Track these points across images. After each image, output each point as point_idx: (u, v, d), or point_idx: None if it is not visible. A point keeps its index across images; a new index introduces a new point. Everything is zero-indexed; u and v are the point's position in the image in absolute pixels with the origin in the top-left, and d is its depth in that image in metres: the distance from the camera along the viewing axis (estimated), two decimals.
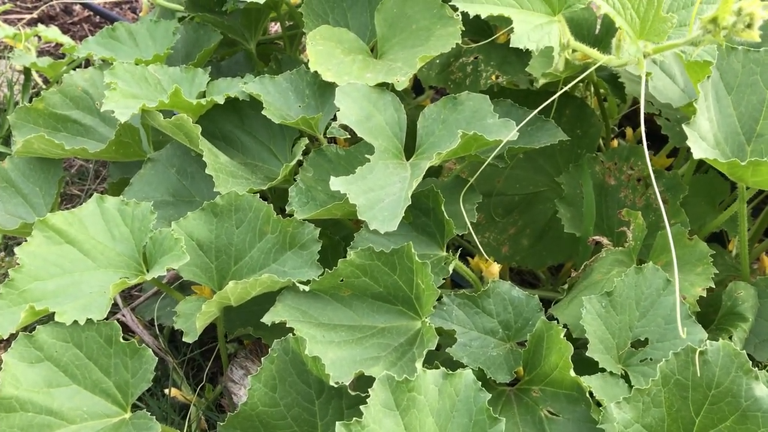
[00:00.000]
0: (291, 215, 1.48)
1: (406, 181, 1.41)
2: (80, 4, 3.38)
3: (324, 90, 1.68)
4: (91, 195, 2.52)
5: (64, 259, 1.46)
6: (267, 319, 1.33)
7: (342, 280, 1.36)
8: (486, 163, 1.48)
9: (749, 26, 1.00)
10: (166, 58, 1.92)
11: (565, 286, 1.61)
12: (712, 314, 1.57)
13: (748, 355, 1.50)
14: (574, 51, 1.49)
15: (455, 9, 1.45)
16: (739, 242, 1.78)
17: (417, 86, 2.40)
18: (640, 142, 2.16)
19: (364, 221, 1.35)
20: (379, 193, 1.37)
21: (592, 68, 1.39)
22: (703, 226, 1.75)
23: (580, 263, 1.65)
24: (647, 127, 2.23)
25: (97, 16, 3.44)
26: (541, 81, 1.56)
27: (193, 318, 1.39)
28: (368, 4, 1.78)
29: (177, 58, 2.06)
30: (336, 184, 1.35)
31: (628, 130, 2.09)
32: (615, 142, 2.11)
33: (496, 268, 1.54)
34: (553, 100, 1.63)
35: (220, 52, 2.29)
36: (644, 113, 1.96)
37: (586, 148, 1.84)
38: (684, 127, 1.29)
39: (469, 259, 1.73)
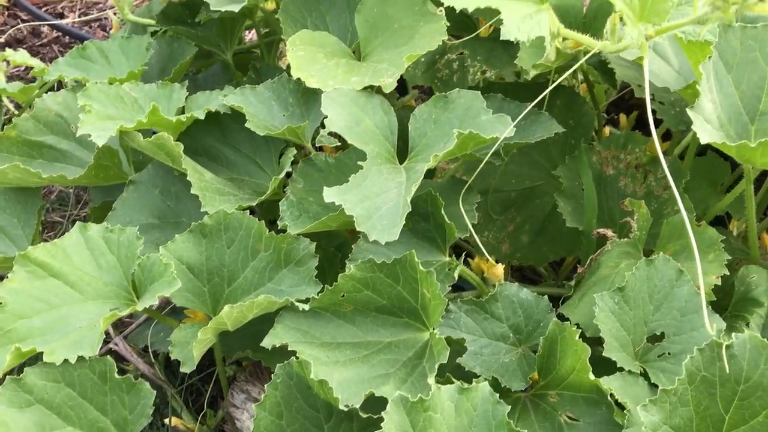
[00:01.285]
0: (284, 230, 1.41)
1: (403, 186, 1.35)
2: (48, 25, 3.30)
3: (308, 97, 1.62)
4: (73, 221, 2.45)
5: (50, 293, 1.39)
6: (267, 342, 1.27)
7: (343, 296, 1.30)
8: (484, 162, 1.43)
9: None
10: (141, 75, 1.85)
11: (572, 283, 1.56)
12: (723, 300, 1.53)
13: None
14: (564, 39, 1.43)
15: (440, 4, 1.39)
16: (745, 224, 1.74)
17: (400, 86, 2.34)
18: (634, 129, 2.12)
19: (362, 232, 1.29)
20: (376, 201, 1.31)
21: (587, 56, 1.33)
22: (707, 209, 1.70)
23: (585, 257, 1.60)
24: (638, 111, 2.19)
25: (67, 37, 3.35)
26: (532, 73, 1.51)
27: (190, 346, 1.32)
28: (347, 6, 1.71)
29: (152, 74, 1.99)
30: (330, 195, 1.29)
31: (622, 117, 2.05)
32: (606, 130, 2.07)
33: (500, 269, 1.48)
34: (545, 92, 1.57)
35: (195, 64, 2.22)
36: (635, 98, 1.92)
37: (580, 138, 1.79)
38: (688, 111, 1.24)
39: (469, 260, 1.68)
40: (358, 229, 1.26)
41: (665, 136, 1.99)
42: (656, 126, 1.89)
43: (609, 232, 1.54)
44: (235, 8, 1.64)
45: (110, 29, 3.40)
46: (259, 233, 1.40)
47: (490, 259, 1.50)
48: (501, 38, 1.29)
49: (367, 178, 1.35)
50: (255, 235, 1.40)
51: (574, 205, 1.64)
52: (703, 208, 1.71)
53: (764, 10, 0.96)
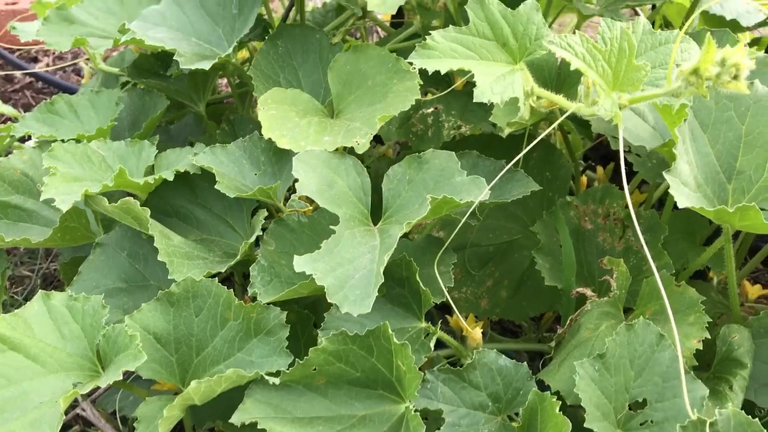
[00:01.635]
0: (255, 298, 1.37)
1: (376, 251, 1.31)
2: (21, 72, 3.25)
3: (281, 155, 1.59)
4: (42, 275, 2.39)
5: (9, 367, 1.32)
6: (236, 419, 1.22)
7: (315, 369, 1.25)
8: (459, 225, 1.40)
9: (735, 77, 0.93)
10: (111, 129, 1.81)
11: (552, 343, 1.52)
12: (706, 355, 1.50)
13: (748, 401, 1.44)
14: (539, 98, 1.42)
15: (412, 63, 1.37)
16: (724, 276, 1.72)
17: (377, 135, 2.31)
18: (612, 177, 2.11)
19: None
20: (348, 269, 1.27)
21: (562, 117, 1.31)
22: (686, 263, 1.68)
23: (564, 315, 1.57)
24: (615, 161, 2.18)
25: (40, 82, 3.31)
26: (507, 131, 1.49)
27: (156, 422, 1.27)
28: (320, 61, 1.69)
29: (123, 128, 1.95)
30: (300, 264, 1.25)
31: (599, 169, 2.03)
32: (584, 179, 2.05)
33: (478, 333, 1.45)
34: (521, 147, 1.56)
35: (168, 115, 2.19)
36: (610, 149, 1.91)
37: (558, 191, 1.77)
38: (665, 175, 1.22)
39: (448, 317, 1.64)
40: (329, 300, 1.22)
41: (643, 182, 1.97)
42: (629, 176, 1.89)
43: (588, 292, 1.52)
44: (206, 66, 1.61)
45: (83, 74, 3.36)
46: (228, 302, 1.35)
47: (467, 325, 1.46)
48: (474, 101, 1.27)
49: (339, 243, 1.31)
50: (224, 303, 1.35)
51: (552, 262, 1.61)
52: (682, 262, 1.69)
53: (737, 88, 0.94)
